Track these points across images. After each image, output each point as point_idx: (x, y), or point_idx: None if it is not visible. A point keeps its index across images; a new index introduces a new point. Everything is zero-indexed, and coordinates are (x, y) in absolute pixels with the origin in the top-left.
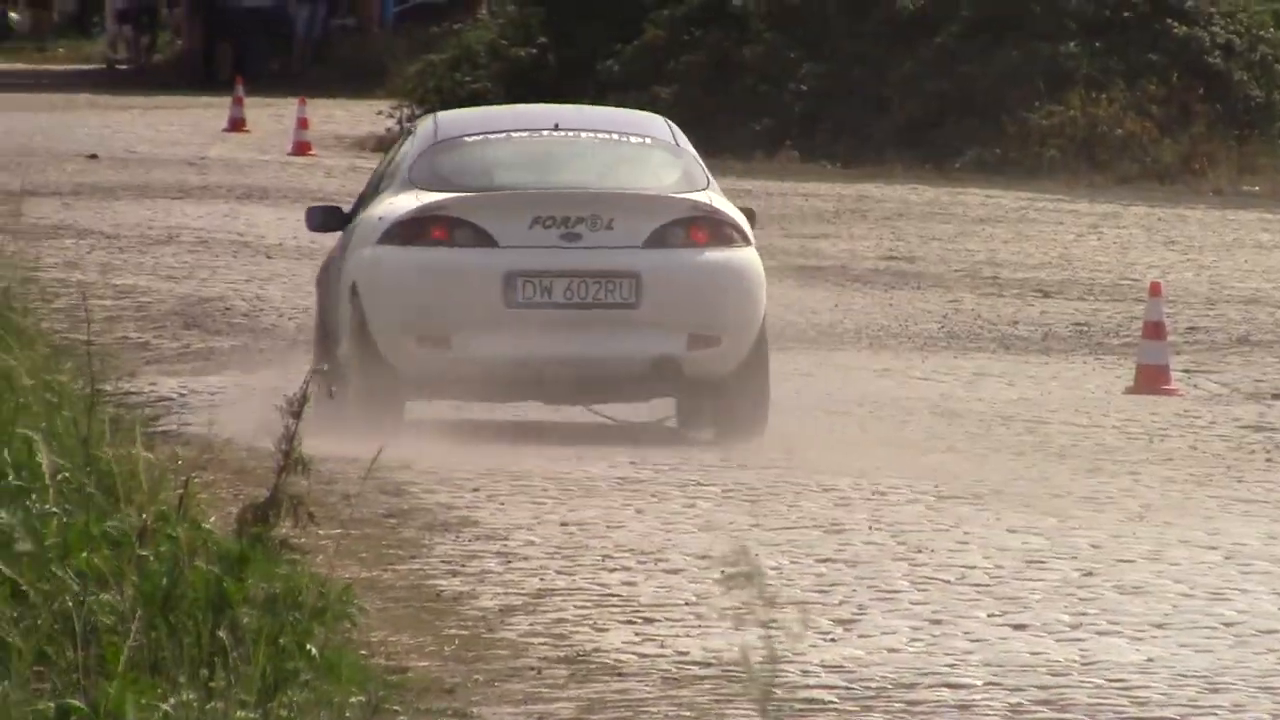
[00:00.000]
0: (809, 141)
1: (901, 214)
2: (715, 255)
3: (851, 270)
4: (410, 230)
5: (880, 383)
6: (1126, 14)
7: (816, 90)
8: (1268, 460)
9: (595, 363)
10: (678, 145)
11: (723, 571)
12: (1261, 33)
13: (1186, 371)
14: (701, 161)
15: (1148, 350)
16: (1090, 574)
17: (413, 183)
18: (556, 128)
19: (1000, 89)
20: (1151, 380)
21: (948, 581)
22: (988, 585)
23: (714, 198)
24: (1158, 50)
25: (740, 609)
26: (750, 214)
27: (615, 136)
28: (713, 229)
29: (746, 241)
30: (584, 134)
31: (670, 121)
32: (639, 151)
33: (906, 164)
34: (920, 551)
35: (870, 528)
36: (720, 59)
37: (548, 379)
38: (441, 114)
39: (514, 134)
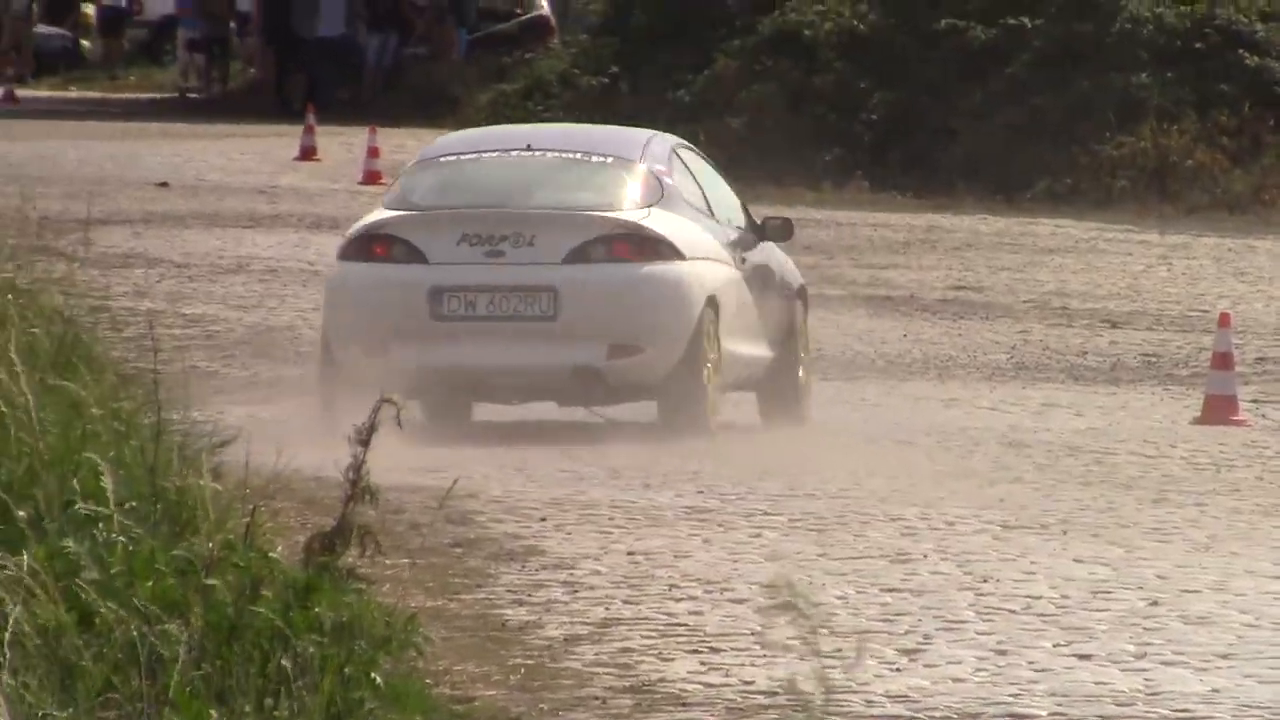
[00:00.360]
0: (879, 171)
1: (971, 244)
2: (636, 269)
3: (920, 300)
4: (357, 247)
5: (948, 413)
6: (1198, 45)
7: (886, 120)
8: None
9: (517, 372)
10: (638, 164)
11: (768, 601)
12: None
13: (1255, 402)
14: (672, 178)
15: (1216, 381)
16: (1156, 604)
17: (385, 202)
18: (529, 148)
19: (1071, 120)
20: (1219, 411)
21: (1013, 611)
22: (1054, 615)
23: (655, 215)
24: (1229, 81)
25: (801, 639)
26: (787, 224)
27: (579, 156)
28: (636, 245)
29: (678, 257)
30: (550, 154)
31: (663, 138)
32: (594, 171)
33: (976, 194)
34: (986, 581)
35: (936, 557)
36: (791, 89)
37: (476, 389)
38: (443, 136)
39: (485, 155)
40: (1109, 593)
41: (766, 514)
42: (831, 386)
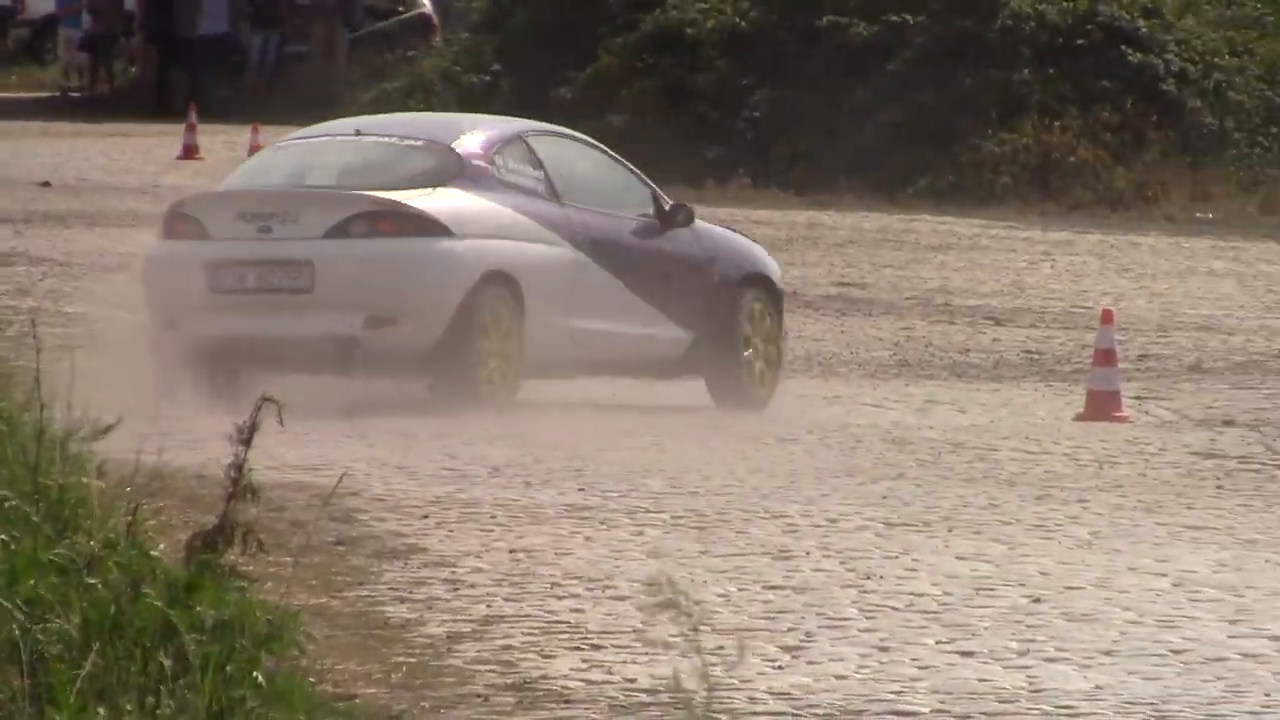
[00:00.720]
0: (761, 168)
1: (853, 241)
2: (392, 244)
3: (803, 297)
4: (164, 226)
5: (830, 409)
6: (1081, 41)
7: (768, 117)
8: (1218, 487)
9: (280, 342)
10: (448, 147)
11: (649, 598)
12: (1215, 60)
13: (1137, 398)
14: (491, 162)
15: (1098, 377)
16: (1039, 601)
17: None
18: (357, 133)
19: (953, 116)
20: (1102, 407)
21: (896, 608)
22: (936, 612)
23: (439, 194)
24: (1112, 77)
25: (682, 636)
26: (686, 211)
27: (393, 140)
28: (397, 221)
29: (444, 233)
30: (371, 138)
31: (503, 125)
32: (399, 153)
33: (858, 191)
34: (869, 578)
35: (819, 555)
36: (673, 86)
37: (246, 358)
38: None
39: (314, 139)
40: (991, 589)
41: (648, 511)
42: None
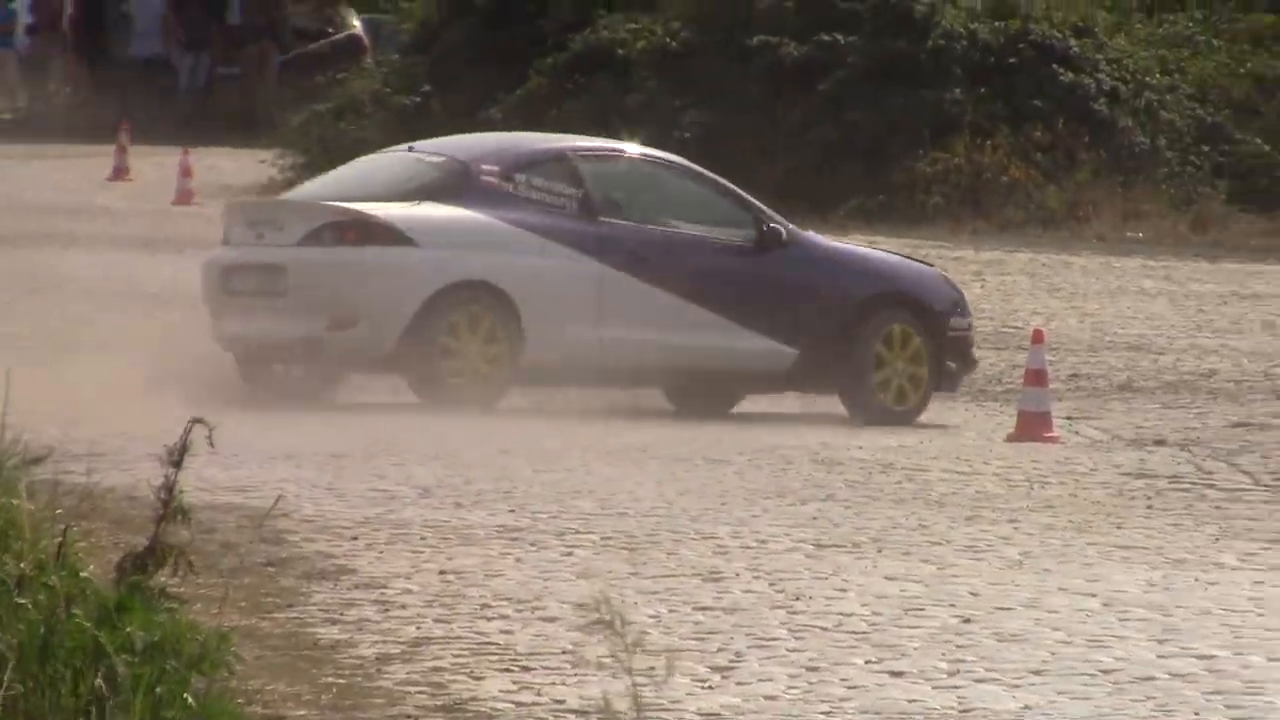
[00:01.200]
0: None
1: None
2: (356, 253)
3: None
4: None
5: (760, 431)
6: (1013, 60)
7: (700, 138)
8: (1148, 507)
9: (263, 341)
10: (461, 163)
11: (581, 619)
12: (1147, 79)
13: (1068, 419)
14: (508, 179)
15: (1029, 397)
16: (968, 621)
17: None
18: (410, 149)
19: (885, 136)
20: (1033, 427)
21: (825, 629)
22: (865, 633)
23: (423, 207)
24: (1043, 97)
25: (613, 657)
26: (774, 232)
27: (422, 156)
28: (363, 231)
29: (407, 243)
30: (415, 155)
31: (545, 144)
32: (422, 169)
33: (790, 211)
34: (798, 599)
35: (749, 576)
36: (604, 107)
37: (243, 356)
38: None
39: (382, 155)
40: (921, 610)
41: (578, 532)
42: (647, 404)
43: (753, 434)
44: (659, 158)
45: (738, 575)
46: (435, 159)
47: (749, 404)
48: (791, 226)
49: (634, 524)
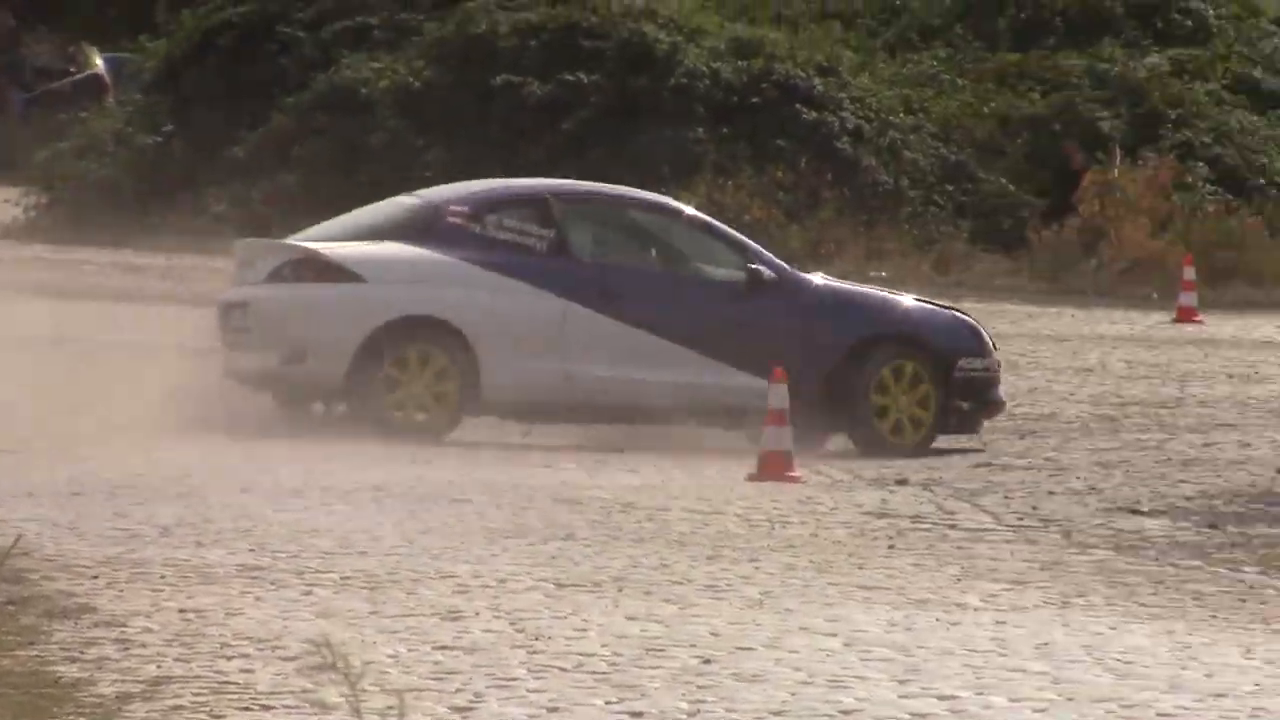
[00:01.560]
0: None
1: None
2: (306, 289)
3: None
4: None
5: (501, 469)
6: (755, 99)
7: (442, 177)
8: (890, 547)
9: (240, 375)
10: (431, 205)
11: (309, 660)
12: (891, 118)
13: (811, 458)
14: (474, 221)
15: (771, 436)
16: (709, 661)
17: None
18: (409, 195)
19: (628, 174)
20: (774, 467)
21: (565, 669)
22: (606, 673)
23: (384, 246)
24: (786, 136)
25: (345, 697)
26: (757, 273)
27: (404, 200)
28: (317, 269)
29: (354, 279)
30: (401, 199)
31: (528, 189)
32: (401, 211)
33: None
34: (539, 639)
35: (489, 615)
36: (346, 146)
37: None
38: None
39: (384, 201)
40: (661, 650)
41: (318, 571)
42: (383, 445)
43: (493, 473)
44: (656, 202)
45: (478, 614)
46: (413, 202)
47: (485, 439)
48: (787, 268)
49: (374, 563)
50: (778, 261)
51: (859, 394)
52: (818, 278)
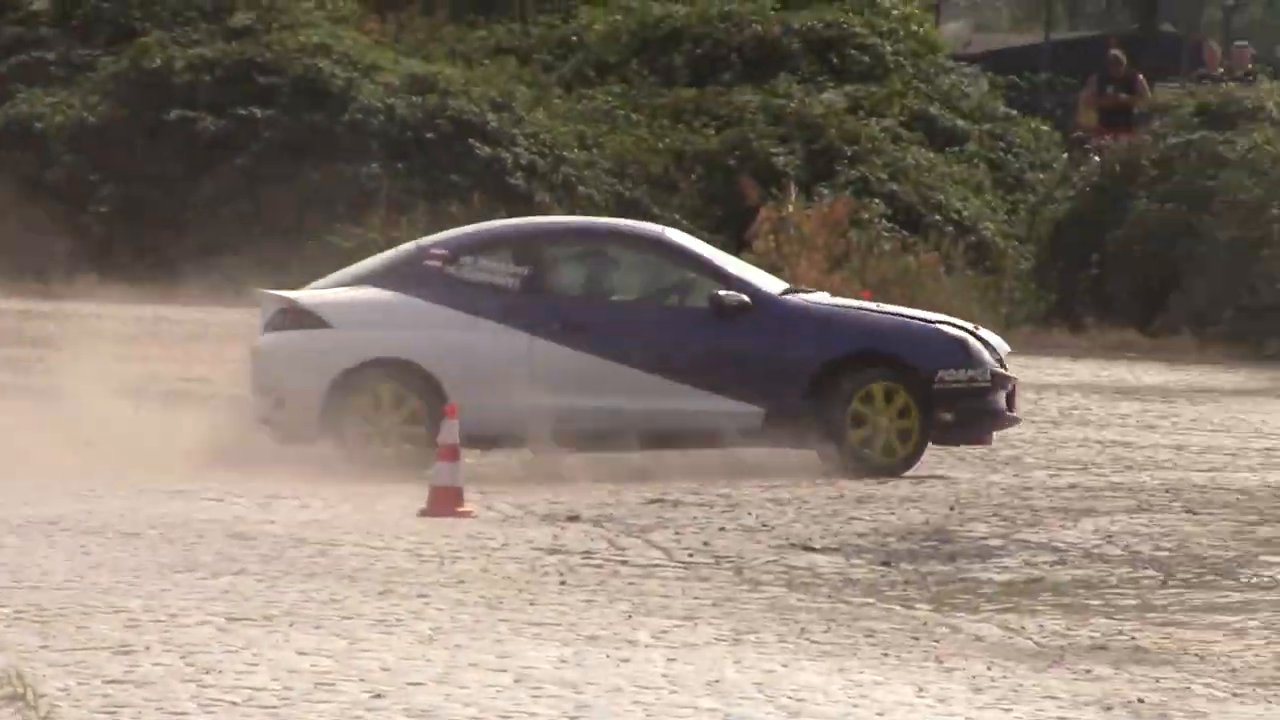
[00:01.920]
0: (108, 263)
1: (198, 336)
2: (285, 337)
3: (148, 391)
4: None
5: (173, 504)
6: (430, 135)
7: (116, 212)
8: (561, 583)
9: (260, 420)
10: (413, 249)
11: None
12: (565, 153)
13: (482, 493)
14: (454, 261)
15: (441, 472)
16: (379, 696)
17: None
18: (415, 244)
19: (302, 210)
20: (445, 502)
21: (235, 703)
22: (276, 707)
23: (359, 290)
24: (461, 171)
25: None
26: (720, 300)
27: (402, 246)
28: (295, 316)
29: (322, 325)
30: (405, 245)
31: (519, 230)
32: (394, 255)
33: (204, 286)
34: (209, 673)
35: (160, 649)
36: (23, 181)
37: None
38: None
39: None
40: (332, 684)
41: None
42: (58, 480)
43: (165, 507)
44: (638, 232)
45: (148, 649)
46: (406, 247)
47: (165, 476)
48: (763, 290)
49: (45, 597)
50: (752, 284)
51: (835, 412)
52: (821, 296)
